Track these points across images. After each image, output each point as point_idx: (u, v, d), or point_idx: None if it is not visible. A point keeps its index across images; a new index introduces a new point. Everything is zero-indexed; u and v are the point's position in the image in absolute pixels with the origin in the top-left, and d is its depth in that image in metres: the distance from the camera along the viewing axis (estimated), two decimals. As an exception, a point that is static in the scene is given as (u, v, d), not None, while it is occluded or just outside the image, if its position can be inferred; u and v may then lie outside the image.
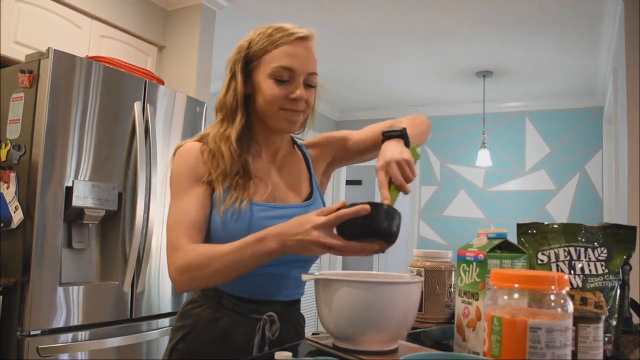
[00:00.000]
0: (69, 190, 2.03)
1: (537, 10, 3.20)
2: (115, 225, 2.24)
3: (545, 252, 0.95)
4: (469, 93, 4.91)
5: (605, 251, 0.93)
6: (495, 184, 5.18)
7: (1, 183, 2.03)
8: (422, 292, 1.11)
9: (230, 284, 1.06)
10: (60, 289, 1.99)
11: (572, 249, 0.93)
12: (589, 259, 0.92)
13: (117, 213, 2.23)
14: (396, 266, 6.33)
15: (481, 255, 0.86)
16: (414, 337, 1.01)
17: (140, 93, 2.33)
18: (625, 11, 2.73)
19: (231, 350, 1.07)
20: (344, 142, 1.26)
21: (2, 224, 1.98)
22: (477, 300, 0.86)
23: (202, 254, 0.98)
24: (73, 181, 2.05)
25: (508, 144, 5.15)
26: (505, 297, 0.70)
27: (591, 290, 0.89)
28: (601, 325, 0.80)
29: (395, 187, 0.99)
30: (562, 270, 0.92)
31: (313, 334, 1.00)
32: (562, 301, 0.68)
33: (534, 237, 0.97)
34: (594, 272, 0.91)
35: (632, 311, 0.99)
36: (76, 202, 2.04)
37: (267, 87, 1.07)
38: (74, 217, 2.11)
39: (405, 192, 1.00)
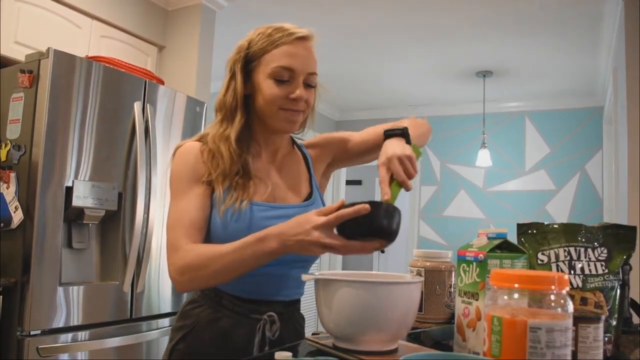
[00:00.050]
0: (69, 190, 2.03)
1: (537, 10, 3.20)
2: (115, 225, 2.24)
3: (545, 252, 0.94)
4: (469, 93, 4.91)
5: (605, 251, 0.93)
6: (495, 184, 5.19)
7: (1, 183, 2.03)
8: (422, 292, 1.11)
9: (230, 284, 1.06)
10: (60, 289, 1.99)
11: (572, 249, 0.93)
12: (589, 259, 0.92)
13: (117, 213, 2.23)
14: (396, 266, 6.33)
15: (481, 255, 0.86)
16: (414, 337, 1.01)
17: (140, 93, 2.33)
18: (625, 11, 2.73)
19: (231, 351, 1.07)
20: (344, 143, 1.26)
21: (2, 224, 1.98)
22: (477, 300, 0.86)
23: (202, 254, 0.98)
24: (73, 181, 2.05)
25: (508, 144, 5.15)
26: (505, 297, 0.70)
27: (591, 290, 0.89)
28: (601, 325, 0.80)
29: (397, 183, 0.99)
30: (562, 270, 0.92)
31: (313, 334, 1.00)
32: (562, 301, 0.68)
33: (534, 237, 0.97)
34: (594, 272, 0.91)
35: (632, 311, 0.99)
36: (76, 202, 2.04)
37: (267, 87, 1.07)
38: (74, 217, 2.11)
39: (407, 189, 1.00)
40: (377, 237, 0.89)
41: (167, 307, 2.44)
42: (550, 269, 0.93)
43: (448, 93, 5.07)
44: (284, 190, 1.15)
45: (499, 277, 0.70)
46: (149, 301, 2.35)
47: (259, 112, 1.11)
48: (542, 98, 4.99)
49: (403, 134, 1.08)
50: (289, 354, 0.75)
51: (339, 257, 5.82)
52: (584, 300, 0.88)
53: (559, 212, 4.86)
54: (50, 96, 1.97)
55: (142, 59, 3.01)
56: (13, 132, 2.05)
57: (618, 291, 0.91)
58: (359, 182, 6.64)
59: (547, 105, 5.02)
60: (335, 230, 0.89)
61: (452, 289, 1.15)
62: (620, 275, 0.92)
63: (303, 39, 1.08)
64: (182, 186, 1.07)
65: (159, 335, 2.35)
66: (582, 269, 0.91)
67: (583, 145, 4.85)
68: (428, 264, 1.16)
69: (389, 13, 3.37)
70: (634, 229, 0.95)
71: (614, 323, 0.90)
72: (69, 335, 2.00)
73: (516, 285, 0.69)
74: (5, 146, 2.06)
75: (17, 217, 1.96)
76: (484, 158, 4.58)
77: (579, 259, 0.92)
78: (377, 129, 1.20)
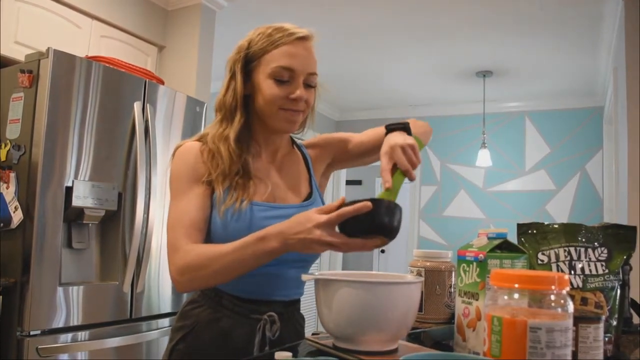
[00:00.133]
0: (69, 190, 2.03)
1: (537, 10, 3.20)
2: (115, 225, 2.24)
3: (545, 252, 0.94)
4: (469, 93, 4.91)
5: (605, 251, 0.93)
6: (495, 184, 5.19)
7: (1, 183, 2.03)
8: (422, 292, 1.11)
9: (230, 284, 1.06)
10: (60, 289, 1.99)
11: (572, 249, 0.93)
12: (589, 259, 0.92)
13: (117, 213, 2.23)
14: (396, 266, 6.33)
15: (481, 255, 0.86)
16: (414, 337, 1.01)
17: (140, 93, 2.33)
18: (625, 11, 2.73)
19: (231, 351, 1.07)
20: (344, 144, 1.26)
21: (1, 224, 1.98)
22: (477, 300, 0.86)
23: (202, 254, 0.98)
24: (73, 181, 2.05)
25: (508, 144, 5.15)
26: (506, 297, 0.70)
27: (591, 290, 0.89)
28: (601, 325, 0.80)
29: (400, 173, 0.99)
30: (562, 270, 0.92)
31: (313, 334, 1.00)
32: (562, 301, 0.68)
33: (534, 237, 0.97)
34: (594, 272, 0.91)
35: (632, 311, 0.98)
36: (76, 202, 2.04)
37: (267, 87, 1.07)
38: (73, 217, 2.11)
39: (411, 179, 0.99)
40: (378, 234, 0.89)
41: (167, 307, 2.44)
42: (551, 269, 0.93)
43: (448, 93, 5.07)
44: (284, 190, 1.15)
45: (499, 277, 0.70)
46: (148, 301, 2.35)
47: (259, 112, 1.11)
48: (542, 98, 4.99)
49: (404, 128, 1.09)
50: (289, 354, 0.75)
51: (339, 257, 5.82)
52: (584, 301, 0.88)
53: (559, 212, 4.86)
54: (50, 96, 1.97)
55: (142, 59, 3.01)
56: (13, 132, 2.05)
57: (618, 291, 0.91)
58: (359, 182, 6.64)
59: (547, 105, 5.02)
60: (336, 228, 0.89)
61: (452, 289, 1.14)
62: (621, 275, 0.92)
63: (303, 39, 1.08)
64: (182, 186, 1.07)
65: (159, 335, 2.35)
66: (582, 269, 0.91)
67: (583, 145, 4.85)
68: (428, 264, 1.16)
69: (389, 13, 3.37)
70: (634, 229, 0.95)
71: (614, 323, 0.90)
72: (69, 336, 2.00)
73: (516, 285, 0.69)
74: (5, 146, 2.06)
75: (17, 217, 1.96)
76: (484, 158, 4.58)
77: (579, 259, 0.92)
78: (378, 129, 1.20)
